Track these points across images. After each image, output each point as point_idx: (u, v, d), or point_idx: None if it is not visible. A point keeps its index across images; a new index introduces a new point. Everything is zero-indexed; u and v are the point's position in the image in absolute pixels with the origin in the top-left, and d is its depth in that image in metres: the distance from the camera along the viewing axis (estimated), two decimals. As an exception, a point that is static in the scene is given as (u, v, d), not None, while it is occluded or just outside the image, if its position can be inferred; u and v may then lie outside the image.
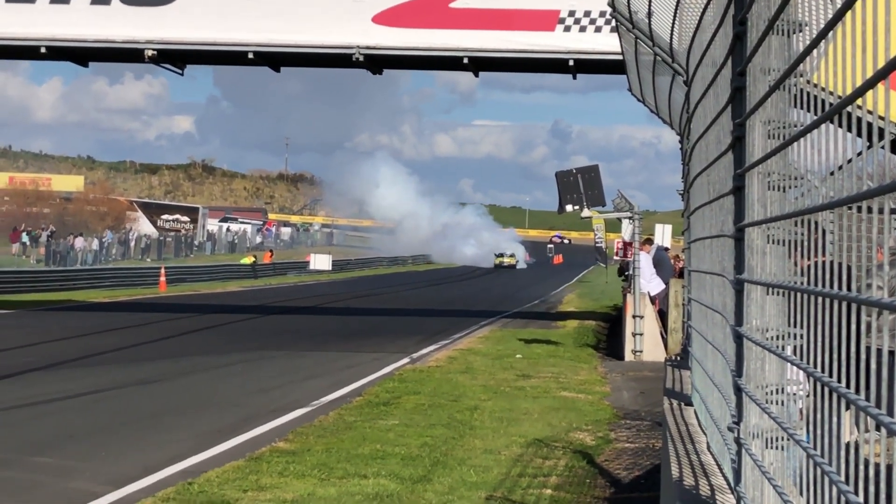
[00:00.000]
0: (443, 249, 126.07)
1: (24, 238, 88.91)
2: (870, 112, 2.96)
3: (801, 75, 3.60)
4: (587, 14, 32.78)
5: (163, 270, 63.97)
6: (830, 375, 2.85)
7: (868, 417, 2.43)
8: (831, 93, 2.94)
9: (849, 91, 2.61)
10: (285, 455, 13.99)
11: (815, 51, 3.20)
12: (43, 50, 34.65)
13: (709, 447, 6.47)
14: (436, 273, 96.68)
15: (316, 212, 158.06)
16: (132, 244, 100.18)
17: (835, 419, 2.93)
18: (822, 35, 2.98)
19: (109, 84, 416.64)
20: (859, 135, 2.94)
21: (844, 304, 2.77)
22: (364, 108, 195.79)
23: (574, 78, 34.93)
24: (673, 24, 11.87)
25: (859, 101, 2.59)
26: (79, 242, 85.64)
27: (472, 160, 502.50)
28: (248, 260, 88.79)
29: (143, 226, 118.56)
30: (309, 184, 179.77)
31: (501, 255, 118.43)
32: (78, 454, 14.21)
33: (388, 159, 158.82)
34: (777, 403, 3.97)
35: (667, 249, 31.36)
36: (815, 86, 3.44)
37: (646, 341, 26.75)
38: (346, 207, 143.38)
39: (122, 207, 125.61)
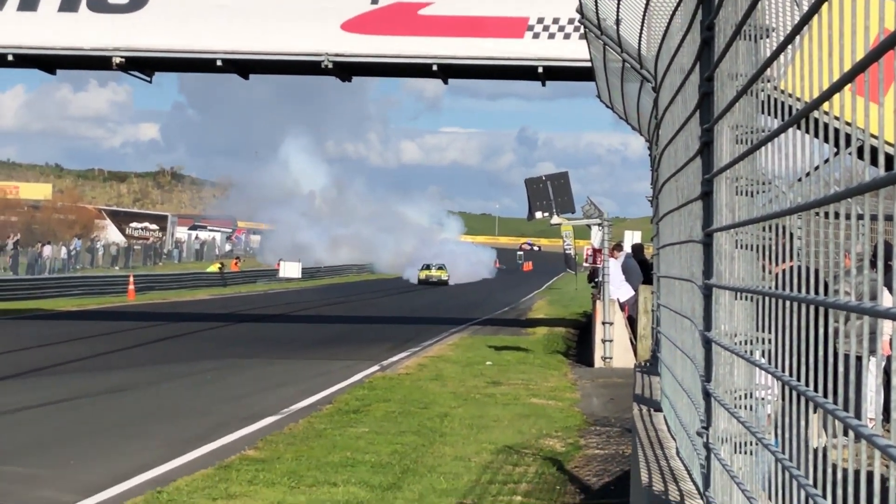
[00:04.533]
0: (390, 258, 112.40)
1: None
2: (836, 118, 2.96)
3: (769, 80, 3.60)
4: (556, 21, 32.82)
5: (131, 279, 63.75)
6: (799, 380, 2.85)
7: (836, 422, 2.44)
8: (798, 98, 2.95)
9: (815, 96, 2.61)
10: (255, 463, 13.96)
11: (782, 56, 3.21)
12: (10, 58, 34.48)
13: (678, 452, 6.47)
14: (405, 281, 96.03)
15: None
16: (100, 252, 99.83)
17: (803, 424, 2.93)
18: (789, 40, 2.99)
19: (73, 91, 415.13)
20: (826, 140, 2.95)
21: (812, 309, 2.77)
22: (331, 115, 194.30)
23: (543, 85, 34.98)
24: (641, 30, 11.90)
25: (826, 107, 2.59)
26: (47, 251, 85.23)
27: (438, 167, 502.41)
28: (214, 268, 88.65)
29: (112, 234, 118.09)
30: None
31: (428, 268, 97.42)
32: (45, 463, 14.14)
33: (298, 149, 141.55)
34: (746, 408, 3.97)
35: (642, 247, 31.27)
36: (783, 91, 3.45)
37: (615, 348, 26.78)
38: (257, 210, 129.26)
39: (90, 215, 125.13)
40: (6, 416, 18.08)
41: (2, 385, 21.93)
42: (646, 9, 10.46)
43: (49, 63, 36.32)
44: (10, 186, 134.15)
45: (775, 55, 3.29)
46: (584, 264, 38.46)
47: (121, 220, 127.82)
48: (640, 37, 12.17)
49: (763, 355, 3.64)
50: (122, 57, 33.96)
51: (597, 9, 15.47)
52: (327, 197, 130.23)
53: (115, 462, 14.22)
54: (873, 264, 2.30)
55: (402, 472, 13.65)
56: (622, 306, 27.19)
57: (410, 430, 16.83)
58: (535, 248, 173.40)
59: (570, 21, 31.89)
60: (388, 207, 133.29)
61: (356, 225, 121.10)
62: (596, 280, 30.12)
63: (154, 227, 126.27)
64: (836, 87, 2.41)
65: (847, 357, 2.51)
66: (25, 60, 35.27)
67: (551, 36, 32.92)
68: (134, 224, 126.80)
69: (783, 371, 3.07)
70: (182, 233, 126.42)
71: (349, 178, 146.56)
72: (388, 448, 15.22)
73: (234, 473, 13.30)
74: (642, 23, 11.54)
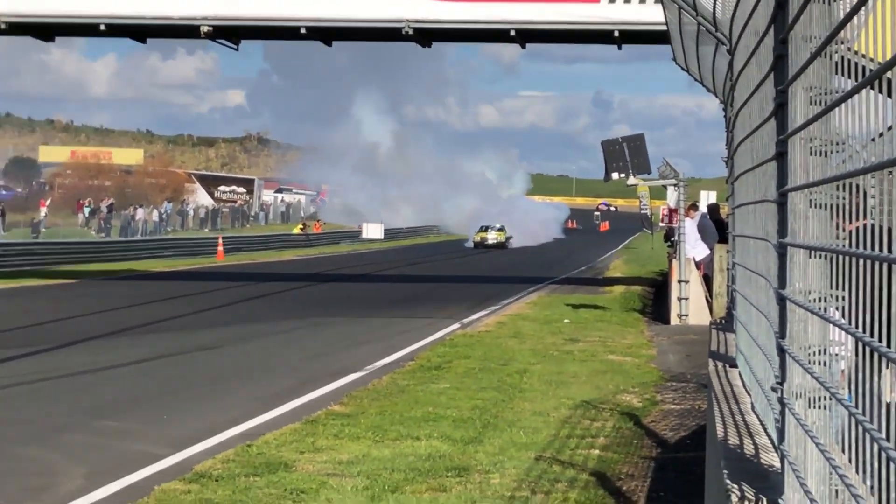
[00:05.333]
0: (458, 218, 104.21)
1: (86, 210, 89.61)
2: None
3: (843, 42, 3.57)
4: (632, -15, 32.57)
5: (220, 240, 64.23)
6: (872, 336, 2.84)
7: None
8: (872, 59, 2.92)
9: (889, 57, 2.59)
10: (340, 418, 14.06)
11: (855, 18, 3.18)
12: (102, 27, 34.76)
13: (753, 407, 6.45)
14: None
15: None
16: (190, 215, 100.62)
17: (876, 379, 2.91)
18: (863, 1, 2.96)
19: (163, 60, 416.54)
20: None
21: (886, 266, 2.75)
22: (411, 81, 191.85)
23: (619, 48, 34.72)
24: (716, -6, 11.79)
25: (900, 67, 2.57)
26: (139, 214, 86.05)
27: (517, 130, 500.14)
28: (297, 229, 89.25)
29: (201, 197, 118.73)
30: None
31: (485, 230, 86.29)
32: (140, 418, 14.33)
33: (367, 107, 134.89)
34: (819, 364, 3.95)
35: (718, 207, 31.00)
36: (856, 53, 3.41)
37: (691, 305, 26.66)
38: (331, 172, 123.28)
39: (180, 179, 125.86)
40: (102, 372, 18.33)
41: (98, 343, 22.23)
42: (720, -28, 10.37)
43: (140, 32, 36.58)
44: (103, 152, 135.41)
45: (849, 17, 3.25)
46: (660, 224, 38.40)
47: (209, 183, 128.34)
48: (715, 0, 12.06)
49: (837, 312, 3.62)
50: (210, 25, 34.13)
51: (672, -27, 15.35)
52: (395, 155, 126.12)
53: (206, 417, 14.39)
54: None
55: (483, 426, 13.70)
56: (697, 265, 27.04)
57: (490, 386, 16.87)
58: (612, 209, 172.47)
59: (646, -15, 31.66)
60: (455, 165, 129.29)
61: (424, 183, 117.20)
62: (672, 239, 30.00)
63: (241, 190, 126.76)
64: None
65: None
66: (117, 30, 35.55)
67: (627, 0, 32.66)
68: (222, 187, 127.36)
69: (857, 327, 3.05)
70: (268, 196, 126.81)
71: (424, 139, 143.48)
72: (468, 403, 15.27)
73: (321, 428, 13.41)
74: (717, -14, 11.43)
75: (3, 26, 34.53)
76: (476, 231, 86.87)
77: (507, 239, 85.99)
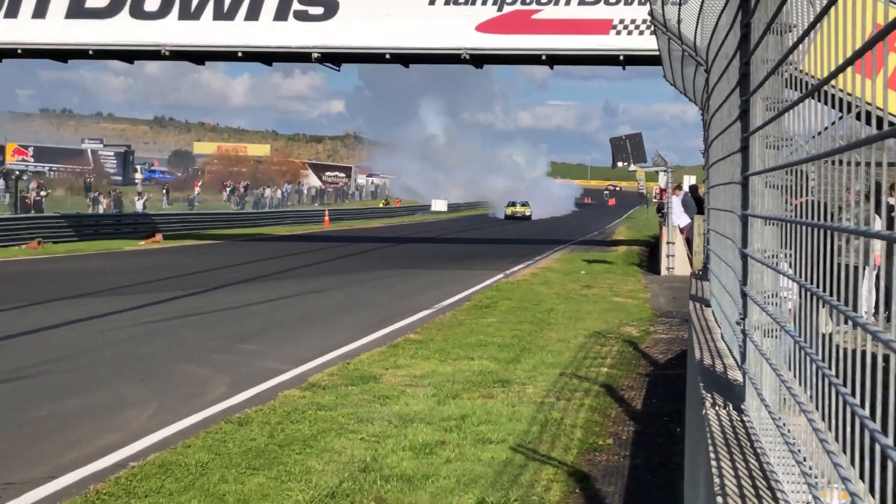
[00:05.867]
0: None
1: (228, 190, 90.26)
2: (841, 90, 2.90)
3: (791, 63, 3.54)
4: (633, 21, 32.32)
5: (326, 212, 64.51)
6: (812, 283, 2.83)
7: (839, 314, 2.42)
8: (813, 76, 2.90)
9: (826, 75, 2.57)
10: (415, 343, 14.13)
11: (801, 45, 3.15)
12: (239, 54, 34.90)
13: (722, 337, 6.43)
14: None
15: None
16: (304, 193, 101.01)
17: (815, 316, 2.90)
18: (806, 33, 2.94)
19: (283, 78, 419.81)
20: (834, 107, 2.90)
21: (822, 231, 2.75)
22: (466, 94, 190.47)
23: (623, 69, 34.47)
24: (696, 27, 11.67)
25: (834, 83, 2.55)
26: (267, 192, 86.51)
27: (546, 130, 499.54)
28: (381, 203, 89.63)
29: (312, 180, 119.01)
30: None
31: (514, 205, 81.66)
32: (269, 342, 14.46)
33: (431, 110, 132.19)
34: (772, 304, 3.94)
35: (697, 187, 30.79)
36: (801, 71, 3.38)
37: (677, 261, 26.54)
38: (401, 164, 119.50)
39: (297, 167, 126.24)
40: (242, 309, 18.50)
41: (238, 287, 22.42)
42: (700, 12, 10.27)
43: (267, 58, 36.63)
44: (240, 146, 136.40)
45: (795, 45, 3.23)
46: (653, 200, 38.12)
47: (318, 170, 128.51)
48: (696, 32, 11.93)
49: (786, 265, 3.61)
50: (318, 52, 34.20)
51: (663, 12, 15.19)
52: (447, 149, 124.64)
53: (318, 342, 14.50)
54: (867, 198, 2.28)
55: (521, 350, 13.73)
56: (681, 231, 26.91)
57: (526, 321, 16.89)
58: (618, 189, 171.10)
59: (643, 21, 31.36)
60: (494, 154, 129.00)
61: (467, 168, 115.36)
62: (662, 212, 29.82)
63: (342, 175, 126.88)
64: (842, 68, 2.37)
65: (847, 267, 2.49)
66: (250, 56, 35.65)
67: (629, 32, 32.41)
68: (328, 173, 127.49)
69: (800, 277, 3.04)
70: (362, 179, 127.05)
71: (472, 136, 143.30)
72: (510, 333, 15.31)
73: (400, 350, 13.49)
74: (697, 22, 11.31)
75: (166, 53, 34.78)
76: (506, 206, 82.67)
77: (531, 213, 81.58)
